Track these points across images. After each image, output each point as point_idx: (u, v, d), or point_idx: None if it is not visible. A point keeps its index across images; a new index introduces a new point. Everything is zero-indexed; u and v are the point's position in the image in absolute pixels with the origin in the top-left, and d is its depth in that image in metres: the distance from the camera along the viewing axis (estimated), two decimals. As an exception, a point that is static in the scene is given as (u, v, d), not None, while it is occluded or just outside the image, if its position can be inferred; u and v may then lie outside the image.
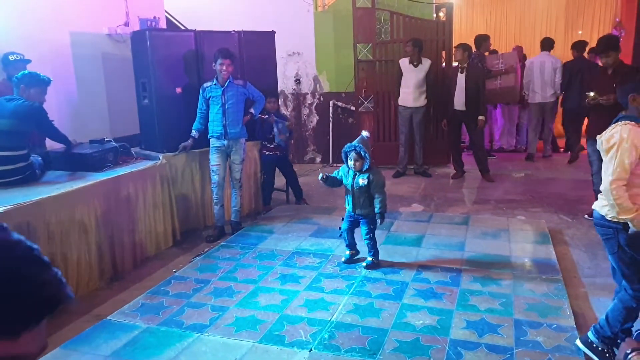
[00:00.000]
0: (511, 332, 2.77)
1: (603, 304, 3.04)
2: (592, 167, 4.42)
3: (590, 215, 4.63)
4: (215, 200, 4.53)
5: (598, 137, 2.53)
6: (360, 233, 3.80)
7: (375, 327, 2.88)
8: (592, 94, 4.25)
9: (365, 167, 3.63)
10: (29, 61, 3.96)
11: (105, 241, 3.60)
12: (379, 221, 3.68)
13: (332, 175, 3.81)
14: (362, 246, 3.85)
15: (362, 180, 3.63)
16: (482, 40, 7.02)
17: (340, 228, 3.87)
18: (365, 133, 3.70)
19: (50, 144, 4.02)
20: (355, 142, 3.62)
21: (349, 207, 3.75)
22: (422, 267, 3.68)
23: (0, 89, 3.82)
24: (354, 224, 3.81)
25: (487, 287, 3.33)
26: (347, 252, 3.84)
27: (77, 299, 3.34)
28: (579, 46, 6.86)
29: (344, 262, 3.79)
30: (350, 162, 3.63)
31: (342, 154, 3.72)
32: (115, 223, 3.71)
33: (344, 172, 3.75)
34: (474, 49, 6.54)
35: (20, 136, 3.36)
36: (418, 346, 2.67)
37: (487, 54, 7.09)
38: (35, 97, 3.38)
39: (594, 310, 3.06)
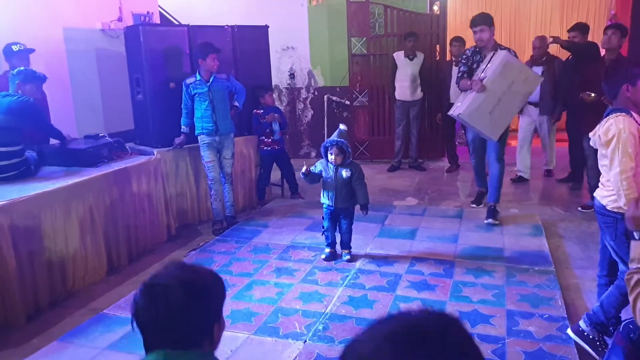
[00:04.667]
0: (503, 322, 2.81)
1: (594, 295, 3.08)
2: (587, 161, 4.46)
3: (584, 207, 4.72)
4: (214, 197, 4.54)
5: (591, 133, 2.56)
6: (340, 228, 3.81)
7: (368, 318, 2.91)
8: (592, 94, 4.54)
9: (348, 160, 3.66)
10: (32, 50, 3.92)
11: (101, 235, 3.61)
12: (363, 212, 3.70)
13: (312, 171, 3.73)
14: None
15: (345, 173, 3.63)
16: None
17: (323, 227, 3.83)
18: (342, 126, 3.70)
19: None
20: (335, 137, 3.62)
21: (329, 201, 3.71)
22: (416, 259, 3.71)
23: (2, 82, 3.79)
24: (335, 220, 3.80)
25: (480, 278, 3.36)
26: (328, 250, 3.81)
27: (73, 293, 3.37)
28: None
29: (324, 260, 3.76)
30: (331, 157, 3.63)
31: (322, 149, 3.72)
32: (111, 218, 3.72)
33: (323, 166, 3.73)
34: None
35: (14, 132, 3.36)
36: (411, 337, 2.69)
37: None
38: (30, 93, 3.39)
39: (584, 300, 3.10)
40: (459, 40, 6.18)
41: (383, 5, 6.81)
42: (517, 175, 5.84)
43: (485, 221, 4.42)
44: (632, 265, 1.64)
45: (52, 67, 4.35)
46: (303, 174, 3.69)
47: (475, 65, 4.34)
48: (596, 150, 2.59)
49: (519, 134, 5.91)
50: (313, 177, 3.72)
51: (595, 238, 3.91)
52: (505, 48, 4.31)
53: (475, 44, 4.36)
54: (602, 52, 4.85)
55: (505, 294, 3.14)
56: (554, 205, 4.94)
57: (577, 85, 4.80)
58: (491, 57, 4.20)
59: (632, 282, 1.58)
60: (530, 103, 5.49)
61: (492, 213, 4.47)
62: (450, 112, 4.34)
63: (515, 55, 4.28)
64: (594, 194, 2.63)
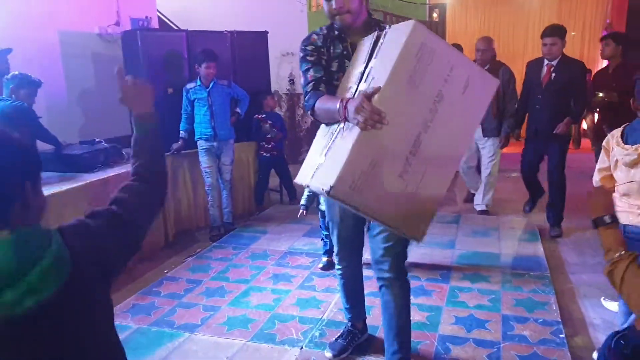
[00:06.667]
0: (499, 327, 2.81)
1: (589, 300, 3.13)
2: None
3: None
4: (210, 202, 4.53)
5: None
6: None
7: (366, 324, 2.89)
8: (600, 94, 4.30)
9: None
10: (9, 50, 3.86)
11: (97, 242, 3.60)
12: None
13: (307, 196, 3.60)
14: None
15: None
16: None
17: (325, 236, 3.73)
18: None
19: (40, 146, 4.01)
20: None
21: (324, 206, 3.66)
22: (413, 264, 3.70)
23: None
24: None
25: (477, 284, 3.36)
26: (325, 259, 3.72)
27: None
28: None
29: (322, 269, 3.68)
30: None
31: None
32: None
33: None
34: None
35: (8, 137, 3.35)
36: (407, 343, 2.69)
37: None
38: (24, 98, 3.38)
39: (579, 304, 3.11)
40: (457, 48, 6.20)
41: (382, 12, 6.85)
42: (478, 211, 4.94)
43: None
44: (610, 256, 1.51)
45: (47, 71, 4.35)
46: (304, 206, 3.59)
47: (336, 64, 2.14)
48: None
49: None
50: (312, 200, 3.62)
51: (591, 243, 3.93)
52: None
53: (332, 20, 2.10)
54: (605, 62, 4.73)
55: (501, 299, 3.14)
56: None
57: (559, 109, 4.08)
58: (375, 42, 1.85)
59: (619, 271, 1.46)
60: None
61: None
62: (302, 182, 1.96)
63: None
64: None
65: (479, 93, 1.85)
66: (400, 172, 1.72)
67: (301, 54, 2.16)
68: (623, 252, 1.50)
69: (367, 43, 1.91)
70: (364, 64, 1.84)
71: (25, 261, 0.86)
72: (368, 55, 1.84)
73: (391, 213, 1.76)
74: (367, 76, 1.79)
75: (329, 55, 2.16)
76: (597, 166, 2.42)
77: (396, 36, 1.75)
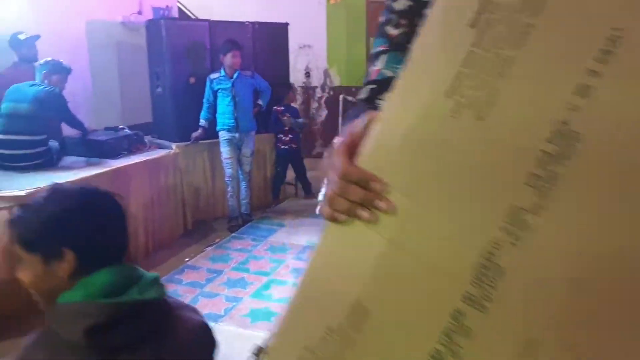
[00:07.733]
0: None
1: None
2: None
3: None
4: (230, 193, 4.53)
5: None
6: None
7: (389, 321, 2.90)
8: None
9: None
10: (38, 37, 3.92)
11: (120, 228, 3.61)
12: None
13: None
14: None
15: None
16: None
17: None
18: None
19: (67, 130, 4.04)
20: None
21: None
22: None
23: (11, 72, 3.79)
24: None
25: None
26: None
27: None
28: None
29: None
30: None
31: None
32: (129, 210, 3.72)
33: None
34: None
35: (40, 121, 3.38)
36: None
37: None
38: (56, 83, 3.43)
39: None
40: None
41: (402, 6, 6.79)
42: None
43: None
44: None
45: (74, 60, 4.33)
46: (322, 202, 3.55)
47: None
48: None
49: None
50: None
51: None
52: None
53: None
54: None
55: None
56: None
57: None
58: None
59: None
60: None
61: None
62: None
63: None
64: None
65: None
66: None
67: (382, 18, 0.90)
68: None
69: None
70: None
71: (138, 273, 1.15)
72: None
73: None
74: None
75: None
76: None
77: None
